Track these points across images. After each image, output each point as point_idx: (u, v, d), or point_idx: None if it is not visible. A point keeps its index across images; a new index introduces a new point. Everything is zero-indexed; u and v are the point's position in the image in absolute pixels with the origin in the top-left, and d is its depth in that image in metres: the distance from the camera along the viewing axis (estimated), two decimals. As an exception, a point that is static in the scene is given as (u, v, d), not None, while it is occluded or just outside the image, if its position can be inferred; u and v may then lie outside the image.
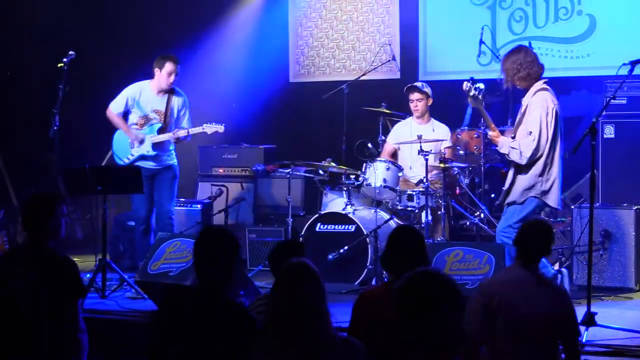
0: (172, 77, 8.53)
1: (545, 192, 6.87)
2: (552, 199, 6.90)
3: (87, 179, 7.86)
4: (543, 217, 8.57)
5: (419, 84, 9.07)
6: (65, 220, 5.11)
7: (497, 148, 7.11)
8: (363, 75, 9.84)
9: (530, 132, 6.78)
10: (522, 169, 6.89)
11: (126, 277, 7.70)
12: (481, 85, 6.96)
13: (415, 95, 8.97)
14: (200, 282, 4.13)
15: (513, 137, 6.99)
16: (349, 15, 10.74)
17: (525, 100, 6.97)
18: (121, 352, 6.30)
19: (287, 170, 8.94)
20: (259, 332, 3.88)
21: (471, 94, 6.93)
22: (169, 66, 8.49)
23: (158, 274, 7.12)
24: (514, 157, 6.85)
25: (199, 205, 9.69)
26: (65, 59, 8.28)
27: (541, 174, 6.85)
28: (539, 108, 6.80)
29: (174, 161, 8.74)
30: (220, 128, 8.58)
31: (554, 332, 4.62)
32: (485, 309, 4.52)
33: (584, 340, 5.75)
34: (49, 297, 4.84)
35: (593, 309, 6.15)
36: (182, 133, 8.53)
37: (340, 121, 9.65)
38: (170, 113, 8.64)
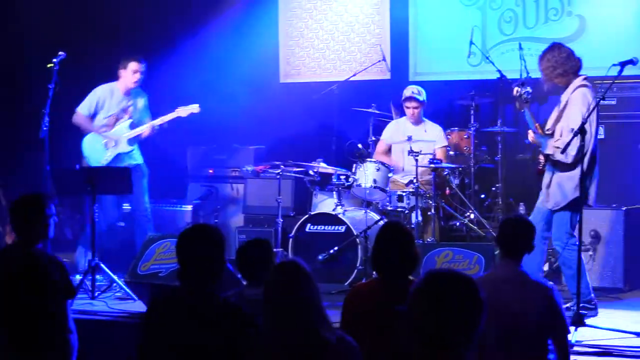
0: (137, 76, 8.74)
1: (588, 187, 6.79)
2: (592, 197, 6.84)
3: (76, 180, 7.88)
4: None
5: (415, 91, 9.02)
6: (54, 220, 5.11)
7: (540, 149, 6.97)
8: (353, 75, 9.82)
9: (573, 129, 6.70)
10: (567, 168, 6.73)
11: (116, 278, 7.69)
12: (529, 89, 6.96)
13: (412, 104, 8.98)
14: (187, 283, 4.10)
15: (551, 134, 6.91)
16: (339, 16, 10.71)
17: (564, 97, 6.87)
18: (110, 352, 6.28)
19: (277, 171, 8.92)
20: (255, 330, 3.88)
21: (523, 97, 6.91)
22: (133, 65, 8.71)
23: (148, 274, 7.11)
24: (559, 156, 6.68)
25: (189, 206, 9.69)
26: (55, 59, 8.27)
27: (587, 172, 6.73)
28: (579, 104, 6.69)
29: (141, 161, 8.90)
30: (196, 108, 8.82)
31: (545, 330, 4.62)
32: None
33: (572, 340, 5.76)
34: (38, 298, 4.83)
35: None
36: (157, 122, 8.70)
37: (331, 122, 9.65)
38: (135, 111, 8.85)
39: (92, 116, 8.79)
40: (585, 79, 6.86)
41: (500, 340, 4.53)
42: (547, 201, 6.90)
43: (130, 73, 8.71)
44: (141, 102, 8.93)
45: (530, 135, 7.03)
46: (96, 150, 8.70)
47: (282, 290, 3.72)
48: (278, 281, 3.77)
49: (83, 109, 8.77)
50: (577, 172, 6.59)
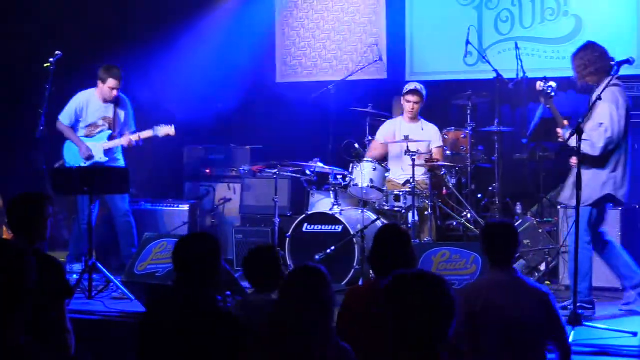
0: (115, 92, 8.73)
1: (619, 187, 6.79)
2: (623, 193, 6.83)
3: (74, 180, 7.88)
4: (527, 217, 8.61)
5: (418, 86, 9.03)
6: (51, 220, 5.10)
7: (567, 142, 6.83)
8: (350, 75, 9.84)
9: (601, 124, 6.66)
10: (593, 165, 6.72)
11: (113, 278, 7.68)
12: (554, 84, 6.97)
13: (414, 98, 8.96)
14: (182, 286, 4.11)
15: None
16: (335, 15, 10.72)
17: (595, 95, 6.92)
18: (107, 352, 6.27)
19: (274, 171, 8.93)
20: (244, 337, 3.88)
21: (548, 92, 6.92)
22: (111, 82, 8.69)
23: (145, 274, 7.11)
24: (586, 149, 6.61)
25: (186, 206, 9.68)
26: (51, 59, 8.27)
27: (614, 170, 6.76)
28: (608, 102, 6.67)
29: (122, 163, 8.92)
30: (172, 130, 8.83)
31: (540, 334, 4.63)
32: (468, 316, 4.51)
33: (570, 340, 5.76)
34: (35, 297, 4.82)
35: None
36: (134, 138, 8.75)
37: (327, 121, 9.65)
38: (117, 120, 8.85)
39: (75, 123, 8.81)
40: (617, 78, 6.86)
41: (495, 345, 4.53)
42: (571, 198, 6.85)
43: (108, 90, 8.70)
44: (124, 109, 8.93)
45: (559, 132, 7.03)
46: (75, 156, 8.76)
47: (304, 290, 3.73)
48: (301, 282, 3.78)
49: (64, 119, 8.80)
50: (603, 169, 6.70)
